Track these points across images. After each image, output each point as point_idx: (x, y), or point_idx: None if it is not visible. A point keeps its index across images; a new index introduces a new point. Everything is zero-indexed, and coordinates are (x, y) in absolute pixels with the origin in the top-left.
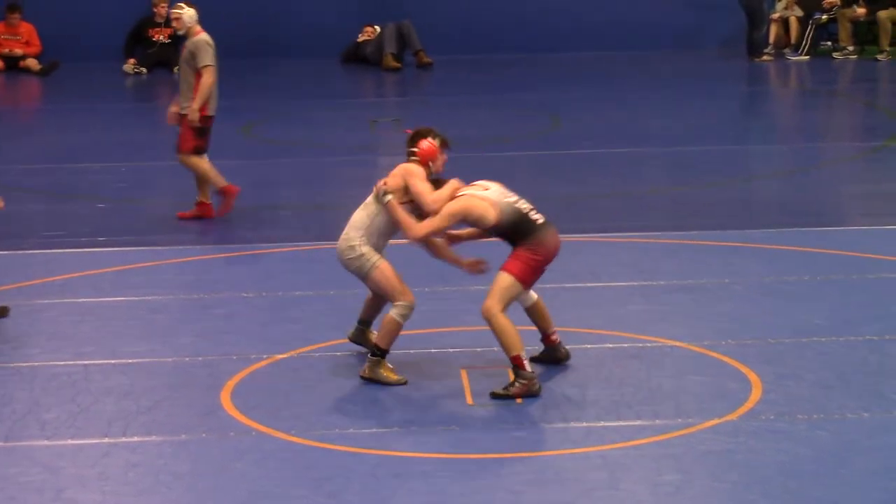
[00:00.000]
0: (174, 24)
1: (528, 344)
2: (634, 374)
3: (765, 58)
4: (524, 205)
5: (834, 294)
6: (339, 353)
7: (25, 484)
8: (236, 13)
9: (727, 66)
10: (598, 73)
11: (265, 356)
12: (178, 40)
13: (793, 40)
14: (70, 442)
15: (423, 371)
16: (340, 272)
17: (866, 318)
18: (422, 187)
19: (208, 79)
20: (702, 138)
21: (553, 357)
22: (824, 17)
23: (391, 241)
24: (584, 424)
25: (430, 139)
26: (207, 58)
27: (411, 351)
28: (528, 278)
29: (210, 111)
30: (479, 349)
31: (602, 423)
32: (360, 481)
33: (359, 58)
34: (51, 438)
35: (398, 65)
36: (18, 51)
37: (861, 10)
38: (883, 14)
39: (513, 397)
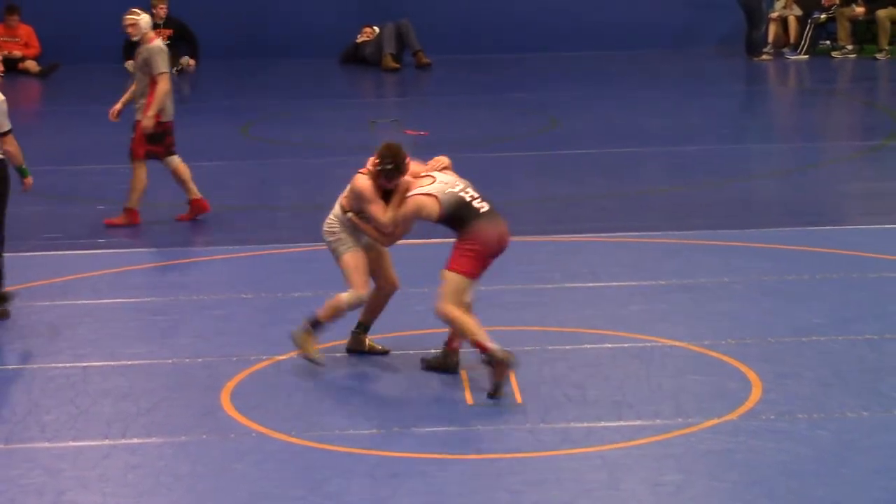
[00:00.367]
0: (129, 30)
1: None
2: (634, 373)
3: (764, 57)
4: (468, 193)
5: (833, 293)
6: (338, 354)
7: (26, 486)
8: (236, 13)
9: (726, 66)
10: (596, 72)
11: (264, 357)
12: (176, 41)
13: (792, 39)
14: (70, 444)
15: (423, 371)
16: (339, 273)
17: (866, 317)
18: (374, 210)
19: (164, 86)
20: (701, 138)
21: (443, 363)
22: (823, 16)
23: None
24: (585, 424)
25: (376, 163)
26: (162, 65)
27: (411, 351)
28: (472, 270)
29: (166, 117)
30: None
31: (602, 423)
32: (360, 482)
33: (358, 58)
34: (51, 440)
35: (397, 65)
36: (17, 53)
37: (860, 9)
38: (882, 13)
39: (501, 383)
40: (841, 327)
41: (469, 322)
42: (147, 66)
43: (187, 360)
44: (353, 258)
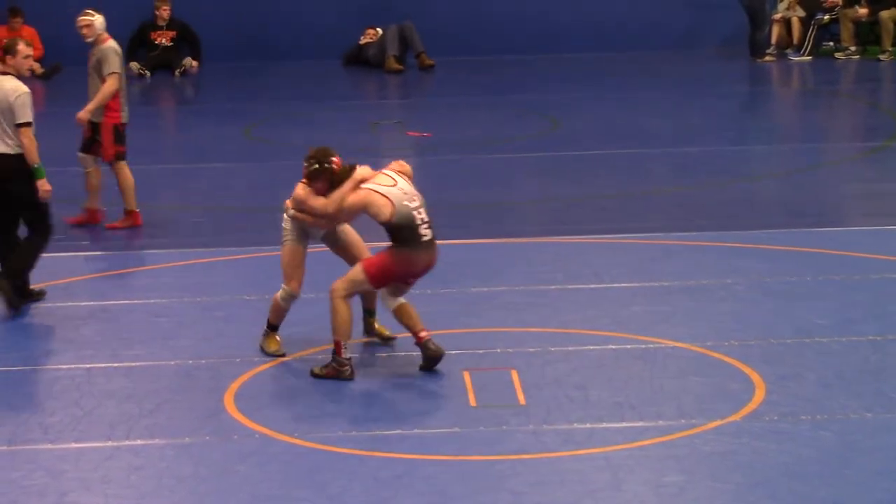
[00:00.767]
0: (84, 31)
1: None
2: (637, 375)
3: (767, 58)
4: (420, 215)
5: (836, 294)
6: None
7: (28, 487)
8: (239, 15)
9: (729, 67)
10: (599, 73)
11: (267, 359)
12: (179, 43)
13: (795, 41)
14: (73, 445)
15: (426, 373)
16: (342, 275)
17: (868, 318)
18: (312, 202)
19: (111, 86)
20: (704, 139)
21: (424, 355)
22: (826, 17)
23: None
24: (587, 426)
25: (307, 166)
26: (114, 65)
27: (414, 353)
28: (379, 282)
29: (123, 118)
30: (480, 351)
31: (605, 425)
32: (363, 483)
33: (361, 60)
34: (54, 442)
35: (400, 67)
36: None
37: (863, 11)
38: (885, 14)
39: (325, 377)
40: (843, 328)
41: (343, 319)
42: (100, 67)
43: (190, 362)
44: (287, 252)
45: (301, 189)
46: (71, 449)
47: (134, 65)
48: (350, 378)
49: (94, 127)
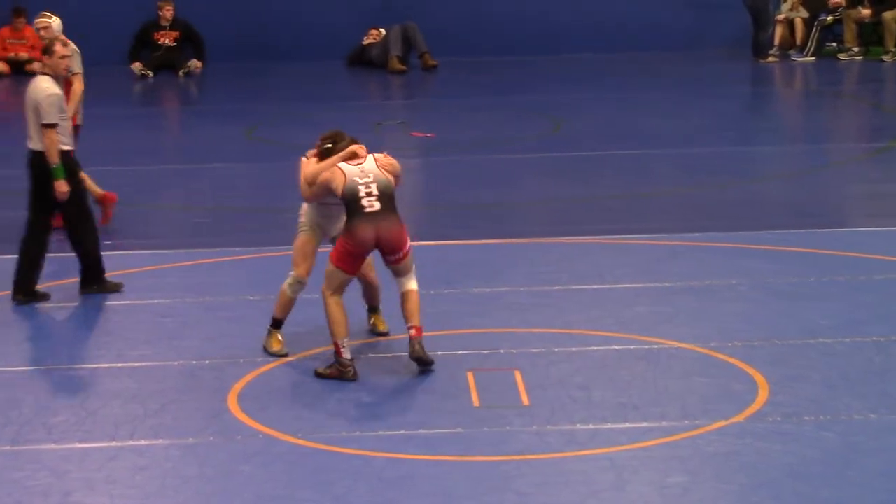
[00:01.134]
0: (42, 32)
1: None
2: (641, 375)
3: (770, 59)
4: (366, 189)
5: (840, 295)
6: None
7: (32, 488)
8: (242, 15)
9: (732, 67)
10: (602, 74)
11: (272, 359)
12: (183, 43)
13: (798, 41)
14: (77, 445)
15: (430, 373)
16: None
17: (872, 319)
18: (302, 169)
19: (79, 86)
20: (707, 139)
21: (409, 351)
22: (829, 18)
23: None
24: (591, 426)
25: (319, 143)
26: (76, 65)
27: None
28: (342, 264)
29: (78, 119)
30: (485, 351)
31: (609, 425)
32: (367, 484)
33: (364, 60)
34: (58, 442)
35: (403, 67)
36: (24, 55)
37: (866, 12)
38: (888, 15)
39: (328, 377)
40: (848, 329)
41: (335, 320)
42: None
43: (194, 362)
44: (299, 240)
45: (304, 160)
46: (75, 449)
47: (137, 65)
48: (353, 379)
49: (74, 127)
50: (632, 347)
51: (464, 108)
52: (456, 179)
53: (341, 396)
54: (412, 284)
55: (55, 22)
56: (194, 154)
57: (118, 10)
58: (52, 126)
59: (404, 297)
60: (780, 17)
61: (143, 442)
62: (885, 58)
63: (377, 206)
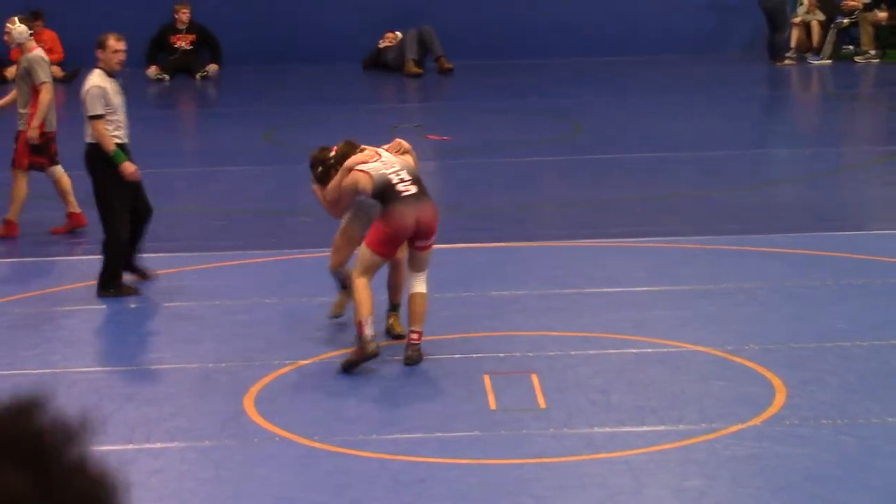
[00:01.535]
0: (4, 38)
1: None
2: (658, 378)
3: (787, 62)
4: (398, 175)
5: (857, 298)
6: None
7: None
8: (259, 19)
9: (748, 70)
10: (619, 77)
11: (288, 362)
12: (199, 47)
13: (814, 44)
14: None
15: (446, 376)
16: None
17: (889, 323)
18: (321, 197)
19: (46, 96)
20: (724, 142)
21: (404, 355)
22: (846, 20)
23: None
24: (608, 429)
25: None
26: (44, 74)
27: (433, 357)
28: (381, 249)
29: (49, 127)
30: (501, 354)
31: (626, 428)
32: (383, 487)
33: (380, 64)
34: None
35: (419, 70)
36: None
37: (883, 14)
38: None
39: (354, 362)
40: (865, 333)
41: (361, 300)
42: (28, 76)
43: (211, 365)
44: (340, 227)
45: (316, 188)
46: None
47: (153, 69)
48: (374, 354)
49: (42, 134)
50: (649, 351)
51: (480, 112)
52: (472, 183)
53: (358, 399)
54: (422, 286)
55: (16, 29)
56: (211, 157)
57: (134, 13)
58: (97, 118)
59: (413, 298)
60: (797, 19)
61: (158, 445)
62: None
63: (413, 189)
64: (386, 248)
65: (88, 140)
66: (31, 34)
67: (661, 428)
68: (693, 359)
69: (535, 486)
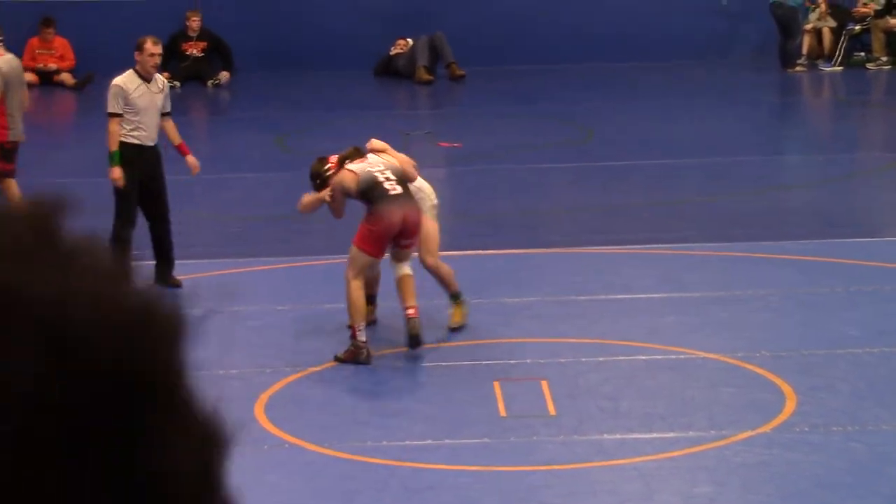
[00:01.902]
0: None
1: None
2: (668, 385)
3: (798, 68)
4: (383, 174)
5: (868, 305)
6: (372, 367)
7: None
8: (270, 25)
9: (760, 77)
10: (630, 83)
11: (298, 369)
12: (210, 53)
13: (826, 51)
14: None
15: (456, 383)
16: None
17: None
18: (307, 200)
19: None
20: (735, 149)
21: (407, 332)
22: (858, 27)
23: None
24: (618, 436)
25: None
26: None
27: (444, 364)
28: (368, 248)
29: (10, 136)
30: (512, 361)
31: (635, 435)
32: (393, 493)
33: (391, 70)
34: None
35: (431, 77)
36: (53, 65)
37: (894, 21)
38: None
39: (345, 361)
40: (875, 339)
41: (354, 303)
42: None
43: (221, 372)
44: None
45: (327, 198)
46: None
47: (164, 76)
48: (367, 361)
49: (9, 143)
50: (659, 357)
51: (491, 118)
52: (483, 189)
53: (367, 406)
54: (408, 269)
55: None
56: (224, 163)
57: (145, 20)
58: (112, 116)
59: (401, 281)
60: (808, 26)
61: None
62: None
63: (399, 188)
64: (374, 247)
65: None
66: (1, 39)
67: (671, 435)
68: (703, 365)
69: (544, 493)
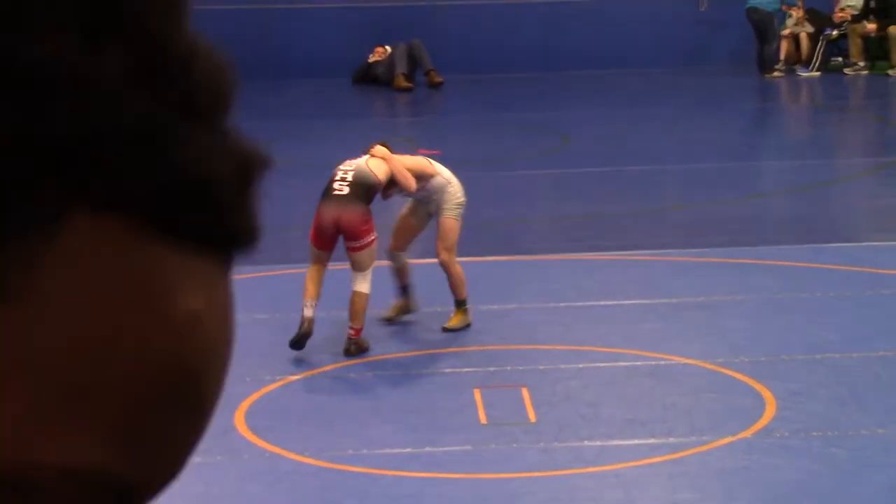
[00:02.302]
0: None
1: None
2: (648, 392)
3: (776, 74)
4: (342, 175)
5: (847, 310)
6: (352, 375)
7: None
8: (247, 34)
9: (738, 83)
10: (608, 90)
11: (278, 377)
12: None
13: (804, 56)
14: None
15: (437, 391)
16: (337, 292)
17: (880, 334)
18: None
19: None
20: (713, 155)
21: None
22: (835, 32)
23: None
24: (598, 443)
25: None
26: None
27: (424, 371)
28: (313, 240)
29: None
30: (491, 368)
31: (616, 442)
32: (374, 502)
33: (370, 78)
34: None
35: (409, 84)
36: None
37: (871, 26)
38: (893, 29)
39: (295, 339)
40: (855, 345)
41: (307, 285)
42: None
43: None
44: (398, 216)
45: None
46: None
47: None
48: (306, 332)
49: None
50: (639, 364)
51: (470, 125)
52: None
53: (348, 414)
54: (360, 286)
55: None
56: None
57: None
58: None
59: (351, 297)
60: (786, 32)
61: None
62: (890, 72)
63: (345, 190)
64: (315, 240)
65: None
66: None
67: (652, 441)
68: (683, 371)
69: (525, 499)
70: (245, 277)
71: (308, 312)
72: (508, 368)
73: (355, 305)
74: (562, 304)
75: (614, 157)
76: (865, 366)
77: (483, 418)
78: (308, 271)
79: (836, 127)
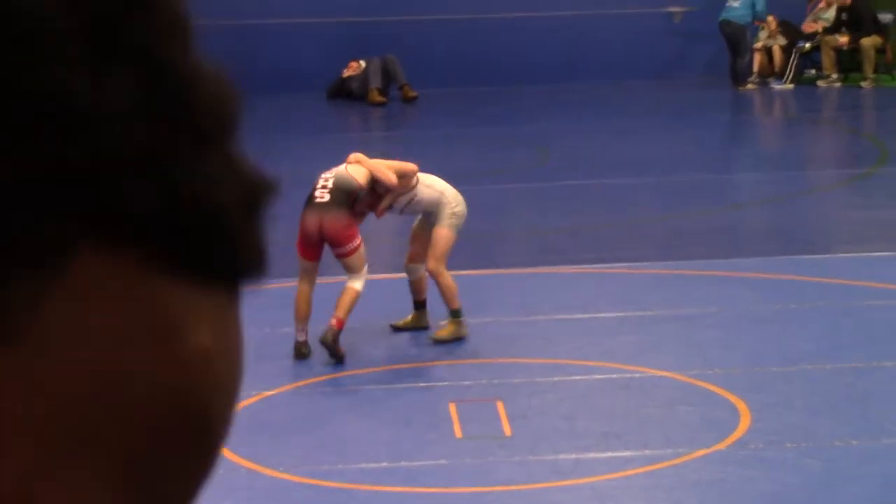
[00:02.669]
0: None
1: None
2: (623, 404)
3: (749, 86)
4: (323, 182)
5: (821, 321)
6: (328, 390)
7: None
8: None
9: (711, 95)
10: (583, 103)
11: (254, 393)
12: None
13: (776, 69)
14: None
15: (412, 405)
16: (329, 309)
17: (853, 345)
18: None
19: None
20: (688, 167)
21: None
22: (808, 45)
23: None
24: (573, 456)
25: None
26: None
27: (399, 385)
28: (298, 249)
29: None
30: (466, 382)
31: (591, 455)
32: None
33: (344, 93)
34: None
35: (384, 99)
36: None
37: (844, 38)
38: (866, 41)
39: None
40: (829, 356)
41: (297, 306)
42: None
43: None
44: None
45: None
46: None
47: None
48: (304, 356)
49: None
50: (614, 376)
51: (446, 139)
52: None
53: (324, 429)
54: (354, 283)
55: None
56: None
57: None
58: None
59: (343, 291)
60: (758, 44)
61: None
62: (863, 84)
63: (326, 198)
64: (301, 250)
65: None
66: None
67: (627, 453)
68: (659, 384)
69: None
70: None
71: (301, 337)
72: (484, 382)
73: (344, 297)
74: (539, 318)
75: (590, 170)
76: (839, 377)
77: (458, 432)
78: (298, 289)
79: (810, 139)
